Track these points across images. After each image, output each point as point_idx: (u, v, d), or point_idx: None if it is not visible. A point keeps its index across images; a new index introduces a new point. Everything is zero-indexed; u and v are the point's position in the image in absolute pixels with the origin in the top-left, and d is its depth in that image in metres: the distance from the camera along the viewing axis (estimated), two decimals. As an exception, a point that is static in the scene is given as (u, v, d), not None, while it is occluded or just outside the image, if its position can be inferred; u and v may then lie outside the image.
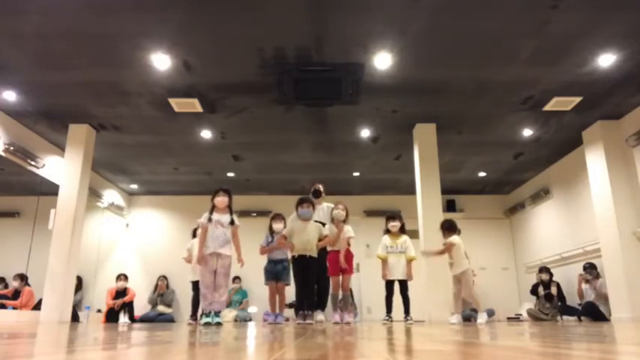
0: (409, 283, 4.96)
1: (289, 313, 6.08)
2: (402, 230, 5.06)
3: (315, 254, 4.44)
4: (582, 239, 6.67)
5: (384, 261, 4.97)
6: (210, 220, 4.15)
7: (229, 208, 4.26)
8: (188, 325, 4.61)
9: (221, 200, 4.22)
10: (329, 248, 4.67)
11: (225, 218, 4.20)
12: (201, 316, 4.17)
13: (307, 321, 4.29)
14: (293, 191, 8.96)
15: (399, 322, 4.90)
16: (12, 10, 3.80)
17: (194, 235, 5.07)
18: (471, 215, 8.90)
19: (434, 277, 5.45)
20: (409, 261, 4.96)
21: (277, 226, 4.88)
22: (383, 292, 4.94)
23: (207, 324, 3.97)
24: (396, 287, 4.96)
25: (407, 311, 4.85)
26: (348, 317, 4.61)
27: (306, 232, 4.45)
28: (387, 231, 5.08)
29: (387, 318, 4.78)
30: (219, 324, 3.99)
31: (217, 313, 4.08)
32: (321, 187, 5.28)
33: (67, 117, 5.81)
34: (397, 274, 4.91)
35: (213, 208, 4.23)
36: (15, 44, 4.28)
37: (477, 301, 4.94)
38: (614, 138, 5.78)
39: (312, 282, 4.46)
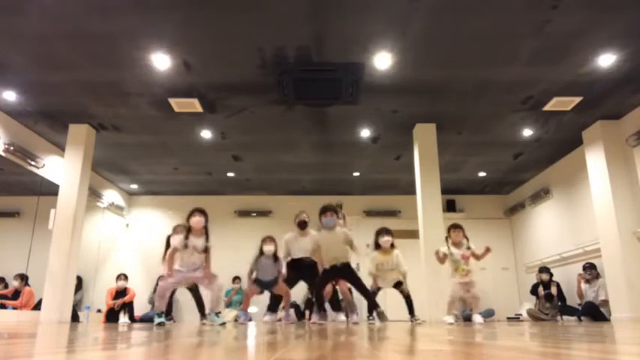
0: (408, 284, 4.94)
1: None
2: (392, 246, 4.92)
3: (347, 260, 4.29)
4: (582, 239, 6.67)
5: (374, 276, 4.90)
6: (186, 246, 3.99)
7: (205, 229, 4.09)
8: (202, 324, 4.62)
9: (197, 221, 4.03)
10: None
11: (200, 242, 4.03)
12: (160, 314, 4.09)
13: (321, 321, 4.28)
14: (293, 191, 8.98)
15: (399, 323, 4.90)
16: (12, 10, 3.80)
17: (168, 244, 4.83)
18: (471, 215, 8.90)
19: (434, 277, 5.44)
20: (403, 276, 4.87)
21: (268, 247, 4.79)
22: (382, 293, 4.94)
23: (160, 324, 3.90)
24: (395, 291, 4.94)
25: (411, 312, 4.85)
26: (356, 318, 4.64)
27: (334, 242, 4.28)
28: (377, 246, 4.92)
29: (371, 318, 4.69)
30: (223, 324, 4.00)
31: (217, 314, 4.08)
32: (307, 217, 5.12)
33: (67, 117, 5.81)
34: (387, 284, 4.88)
35: (189, 231, 4.04)
36: (15, 44, 4.28)
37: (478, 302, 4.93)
38: (614, 138, 5.78)
39: (361, 284, 4.30)
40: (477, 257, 4.79)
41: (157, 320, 3.96)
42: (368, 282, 4.71)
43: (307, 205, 5.44)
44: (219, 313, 4.12)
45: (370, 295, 4.34)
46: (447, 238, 4.90)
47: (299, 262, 4.90)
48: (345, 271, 4.27)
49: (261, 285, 4.85)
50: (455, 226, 4.88)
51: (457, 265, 4.77)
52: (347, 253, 4.32)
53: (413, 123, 5.98)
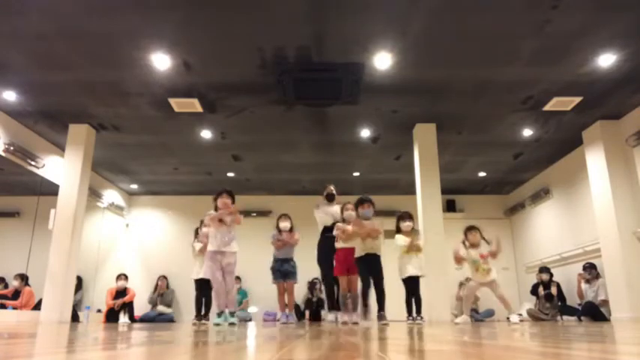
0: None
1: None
2: (414, 230, 4.93)
3: (379, 252, 4.41)
4: (582, 239, 6.67)
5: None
6: (220, 220, 4.20)
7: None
8: (193, 325, 4.62)
9: (224, 202, 4.25)
10: (341, 245, 4.62)
11: (228, 219, 4.23)
12: (208, 314, 4.21)
13: (382, 321, 4.22)
14: (293, 191, 8.97)
15: (398, 323, 4.90)
16: (12, 10, 3.80)
17: (196, 234, 5.10)
18: (471, 215, 8.89)
19: (434, 277, 5.44)
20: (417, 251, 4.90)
21: (284, 224, 4.95)
22: (387, 291, 4.91)
23: (216, 324, 3.99)
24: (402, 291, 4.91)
25: (418, 310, 4.82)
26: (356, 317, 4.62)
27: (372, 230, 4.39)
28: (398, 230, 4.93)
29: (411, 318, 4.66)
30: (233, 324, 4.02)
31: (232, 313, 4.12)
32: (334, 190, 5.37)
33: (67, 117, 5.81)
34: (414, 270, 4.82)
35: (216, 209, 4.27)
36: (15, 44, 4.28)
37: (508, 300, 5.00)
38: (614, 138, 5.78)
39: (381, 282, 4.32)
40: (494, 254, 4.84)
41: (215, 320, 4.09)
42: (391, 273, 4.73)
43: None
44: (234, 312, 4.16)
45: (383, 300, 4.34)
46: (463, 242, 4.94)
47: (330, 231, 4.90)
48: (375, 263, 4.33)
49: (279, 270, 4.86)
50: (471, 228, 4.97)
51: (477, 265, 4.85)
52: (380, 245, 4.41)
53: (413, 123, 5.98)
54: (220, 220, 4.17)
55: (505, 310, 5.09)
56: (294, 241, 4.89)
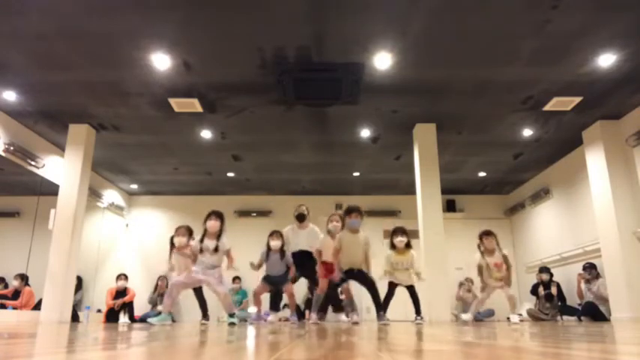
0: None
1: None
2: (408, 245, 4.85)
3: (363, 268, 4.16)
4: (582, 239, 6.67)
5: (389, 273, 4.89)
6: (201, 250, 4.11)
7: (220, 233, 4.20)
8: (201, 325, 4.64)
9: (212, 225, 4.15)
10: (324, 259, 4.56)
11: (212, 244, 4.12)
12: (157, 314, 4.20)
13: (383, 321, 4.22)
14: (293, 191, 8.98)
15: (399, 323, 4.90)
16: (12, 10, 3.80)
17: (172, 244, 4.98)
18: (471, 215, 8.91)
19: (433, 277, 5.44)
20: (417, 275, 4.84)
21: (274, 243, 4.81)
22: (383, 293, 4.94)
23: (153, 324, 4.03)
24: (404, 291, 4.93)
25: (418, 311, 4.84)
26: (356, 317, 4.65)
27: (355, 244, 4.12)
28: (393, 246, 4.85)
29: (382, 318, 4.71)
30: (233, 324, 4.05)
31: (232, 315, 4.13)
32: (305, 210, 5.14)
33: (67, 117, 5.81)
34: (404, 281, 4.86)
35: (204, 233, 4.18)
36: (15, 44, 4.28)
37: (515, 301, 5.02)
38: (614, 138, 5.78)
39: (374, 289, 4.16)
40: (508, 268, 4.84)
41: (158, 320, 4.02)
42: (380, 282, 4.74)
43: (307, 205, 5.43)
44: (233, 314, 4.19)
45: (379, 300, 4.23)
46: (478, 246, 4.92)
47: (294, 256, 4.91)
48: (361, 276, 4.14)
49: (270, 282, 4.84)
50: (488, 233, 4.86)
51: (490, 272, 4.83)
52: (364, 258, 4.17)
53: (413, 123, 5.98)
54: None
55: (505, 311, 5.11)
56: (290, 270, 4.81)
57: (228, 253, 4.21)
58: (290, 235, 5.07)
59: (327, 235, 4.69)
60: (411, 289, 4.86)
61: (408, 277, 4.84)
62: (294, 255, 4.96)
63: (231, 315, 4.15)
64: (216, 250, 4.10)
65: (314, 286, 4.90)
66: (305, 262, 4.86)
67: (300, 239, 5.02)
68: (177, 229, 4.92)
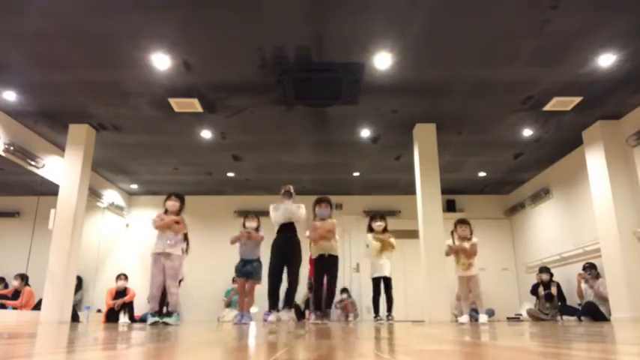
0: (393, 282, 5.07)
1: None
2: (385, 230, 5.16)
3: (335, 252, 4.53)
4: (582, 239, 6.67)
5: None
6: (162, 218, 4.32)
7: (179, 212, 4.41)
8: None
9: (172, 204, 4.40)
10: (314, 254, 4.73)
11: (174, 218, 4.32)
12: (153, 314, 4.21)
13: (323, 320, 4.29)
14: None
15: (399, 323, 4.90)
16: (12, 10, 3.80)
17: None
18: (471, 215, 8.86)
19: (433, 277, 5.44)
20: (392, 246, 5.04)
21: (250, 224, 4.94)
22: (365, 294, 4.98)
23: (154, 323, 4.01)
24: (401, 289, 5.01)
25: (389, 309, 4.94)
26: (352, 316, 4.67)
27: (324, 231, 4.54)
28: (371, 229, 5.19)
29: (378, 317, 4.81)
30: (166, 323, 4.07)
31: (170, 313, 4.14)
32: (290, 189, 5.19)
33: (67, 117, 5.81)
34: (384, 271, 5.00)
35: (165, 212, 4.39)
36: (15, 44, 4.28)
37: (482, 301, 5.05)
38: (614, 138, 5.78)
39: (334, 282, 4.48)
40: (467, 252, 4.92)
41: (150, 320, 4.05)
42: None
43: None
44: (173, 313, 4.21)
45: (332, 294, 4.55)
46: (452, 232, 5.03)
47: (284, 231, 4.89)
48: (331, 265, 4.48)
49: (242, 272, 4.83)
50: (462, 222, 5.11)
51: (459, 259, 4.97)
52: (335, 246, 4.54)
53: (413, 123, 5.98)
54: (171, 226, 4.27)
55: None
56: (258, 237, 4.85)
57: (183, 220, 4.35)
58: (276, 208, 5.06)
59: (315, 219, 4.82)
60: (386, 282, 4.97)
61: (387, 267, 5.01)
62: (281, 230, 4.96)
63: (171, 314, 4.17)
64: (177, 222, 4.30)
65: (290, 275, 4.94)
66: (286, 241, 4.85)
67: (287, 207, 5.04)
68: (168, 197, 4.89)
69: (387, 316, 4.89)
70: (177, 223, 4.27)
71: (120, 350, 1.30)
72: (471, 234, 5.06)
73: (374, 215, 5.25)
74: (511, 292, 8.77)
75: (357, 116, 5.80)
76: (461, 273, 4.99)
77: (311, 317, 4.62)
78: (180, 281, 4.53)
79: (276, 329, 2.90)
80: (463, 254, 4.96)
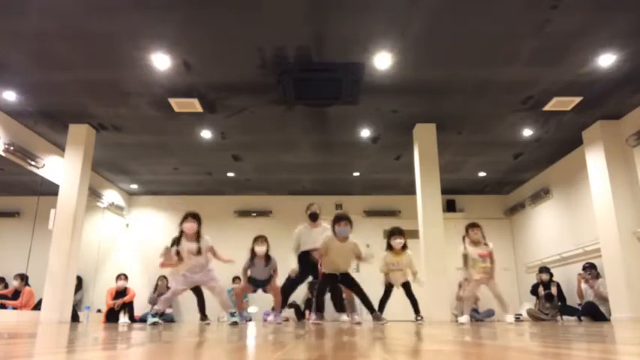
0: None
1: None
2: (404, 247, 4.90)
3: (347, 270, 4.34)
4: (582, 239, 6.67)
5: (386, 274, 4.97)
6: (178, 253, 4.02)
7: (198, 235, 4.10)
8: (205, 325, 4.64)
9: (189, 227, 4.05)
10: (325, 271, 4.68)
11: (194, 246, 4.06)
12: (154, 314, 4.17)
13: (381, 321, 4.27)
14: (293, 191, 8.98)
15: (399, 323, 4.90)
16: (12, 10, 3.80)
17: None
18: (471, 215, 8.88)
19: (434, 277, 5.44)
20: (413, 275, 4.90)
21: (259, 248, 4.81)
22: (378, 295, 4.95)
23: (153, 323, 3.98)
24: (400, 291, 4.97)
25: (417, 311, 4.87)
26: (358, 317, 4.67)
27: (343, 252, 4.28)
28: (389, 247, 4.91)
29: (375, 317, 4.75)
30: (235, 323, 4.06)
31: (233, 314, 4.12)
32: (317, 209, 5.12)
33: (67, 117, 5.81)
34: (397, 284, 4.92)
35: (181, 235, 4.08)
36: (15, 44, 4.28)
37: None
38: (614, 138, 5.78)
39: (360, 290, 4.36)
40: (492, 262, 4.87)
41: (151, 320, 4.01)
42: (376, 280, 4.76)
43: (319, 204, 5.45)
44: (234, 312, 4.16)
45: (367, 299, 4.38)
46: (464, 238, 4.95)
47: (308, 255, 4.91)
48: (345, 279, 4.32)
49: (255, 284, 4.86)
50: (474, 225, 4.93)
51: (474, 263, 4.84)
52: (350, 264, 4.34)
53: (413, 123, 5.98)
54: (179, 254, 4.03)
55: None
56: (249, 289, 4.85)
57: (213, 251, 4.16)
58: (302, 234, 5.06)
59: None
60: (406, 287, 4.89)
61: (401, 276, 4.89)
62: (306, 253, 4.95)
63: (232, 314, 4.13)
64: (199, 252, 4.04)
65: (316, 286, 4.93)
66: (312, 266, 4.86)
67: (313, 237, 4.99)
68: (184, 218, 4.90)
69: (416, 317, 4.83)
70: (198, 253, 4.00)
71: (120, 350, 1.30)
72: (484, 238, 4.91)
73: (393, 231, 4.87)
74: (511, 292, 8.75)
75: (357, 116, 5.80)
76: (477, 276, 4.84)
77: (311, 317, 4.63)
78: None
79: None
80: (481, 259, 4.87)
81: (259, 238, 4.85)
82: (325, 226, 5.13)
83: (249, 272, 4.92)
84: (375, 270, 5.19)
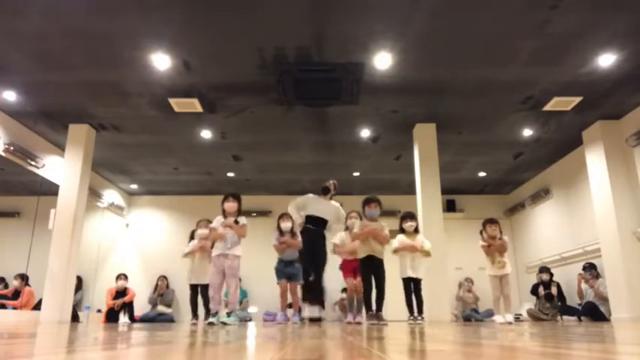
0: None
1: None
2: (417, 230, 4.90)
3: (382, 255, 4.33)
4: (582, 239, 6.67)
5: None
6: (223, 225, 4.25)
7: (238, 213, 4.33)
8: (192, 325, 4.64)
9: (230, 206, 4.30)
10: (345, 257, 4.71)
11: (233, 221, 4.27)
12: (207, 315, 4.25)
13: (381, 322, 4.17)
14: (293, 191, 8.96)
15: (399, 323, 4.89)
16: (12, 10, 3.80)
17: (192, 237, 5.12)
18: (471, 215, 8.89)
19: (434, 276, 5.44)
20: (426, 253, 4.87)
21: (285, 224, 4.85)
22: (394, 291, 4.90)
23: (210, 323, 4.03)
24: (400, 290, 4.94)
25: (420, 310, 4.83)
26: (359, 318, 4.66)
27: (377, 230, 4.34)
28: (402, 230, 4.89)
29: (412, 318, 4.67)
30: (224, 323, 4.03)
31: (229, 314, 4.13)
32: (332, 185, 5.25)
33: (67, 117, 5.81)
34: (416, 272, 4.83)
35: (223, 212, 4.32)
36: (15, 44, 4.28)
37: (511, 300, 4.98)
38: (614, 138, 5.78)
39: (384, 283, 4.30)
40: (500, 248, 4.85)
41: (209, 320, 4.14)
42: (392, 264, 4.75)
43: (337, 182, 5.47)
44: (230, 313, 4.19)
45: (383, 294, 4.33)
46: (481, 232, 4.96)
47: (315, 223, 4.94)
48: (380, 266, 4.31)
49: (285, 274, 4.80)
50: (492, 221, 4.97)
51: (493, 258, 4.85)
52: (383, 250, 4.36)
53: (413, 123, 5.98)
54: (229, 226, 4.23)
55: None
56: (297, 243, 4.82)
57: (245, 229, 4.34)
58: (312, 200, 5.13)
59: (347, 231, 4.74)
60: (416, 284, 4.82)
61: (420, 267, 4.80)
62: (310, 218, 4.97)
63: (229, 314, 4.14)
64: (236, 222, 4.25)
65: (313, 269, 4.94)
66: (317, 238, 4.86)
67: (321, 206, 5.08)
68: (199, 222, 5.02)
69: (417, 317, 4.80)
70: (236, 222, 4.23)
71: (120, 350, 1.30)
72: (501, 233, 4.95)
73: (405, 215, 4.88)
74: (511, 292, 8.75)
75: (357, 116, 5.80)
76: (494, 272, 4.82)
77: (348, 317, 4.65)
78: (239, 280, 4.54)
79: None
80: (497, 251, 4.89)
81: (284, 215, 4.93)
82: (335, 203, 5.13)
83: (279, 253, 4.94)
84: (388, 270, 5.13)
